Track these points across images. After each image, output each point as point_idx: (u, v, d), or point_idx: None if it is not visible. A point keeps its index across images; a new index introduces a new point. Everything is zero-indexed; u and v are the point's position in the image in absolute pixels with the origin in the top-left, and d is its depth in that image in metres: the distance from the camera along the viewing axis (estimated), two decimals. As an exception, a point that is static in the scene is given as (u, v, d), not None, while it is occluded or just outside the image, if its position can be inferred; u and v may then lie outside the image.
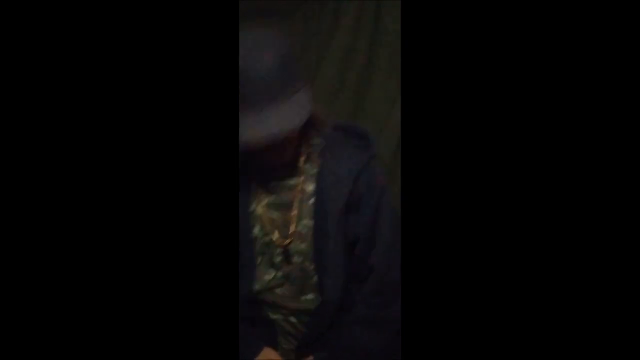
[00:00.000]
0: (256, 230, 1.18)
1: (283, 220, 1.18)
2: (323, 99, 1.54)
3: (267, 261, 1.19)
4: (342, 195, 1.15)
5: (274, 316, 1.23)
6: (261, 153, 1.09)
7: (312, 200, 1.16)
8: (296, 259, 1.18)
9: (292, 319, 1.22)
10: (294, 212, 1.17)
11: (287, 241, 1.17)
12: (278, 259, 1.19)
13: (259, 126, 1.03)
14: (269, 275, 1.19)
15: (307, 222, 1.16)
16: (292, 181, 1.17)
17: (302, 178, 1.17)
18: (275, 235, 1.17)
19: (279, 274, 1.19)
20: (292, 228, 1.17)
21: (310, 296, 1.19)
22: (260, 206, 1.18)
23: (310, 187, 1.16)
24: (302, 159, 1.16)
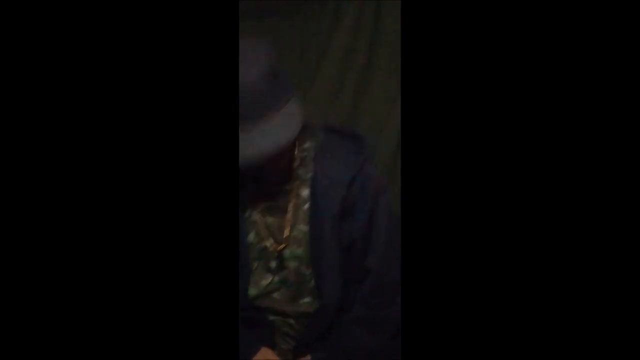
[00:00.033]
0: (251, 236, 1.18)
1: (278, 226, 1.17)
2: (323, 99, 1.54)
3: (263, 266, 1.19)
4: (337, 200, 1.14)
5: (272, 317, 1.23)
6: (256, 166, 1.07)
7: (307, 205, 1.16)
8: (292, 264, 1.18)
9: (290, 321, 1.22)
10: (289, 218, 1.17)
11: (281, 246, 1.17)
12: (273, 264, 1.18)
13: (251, 146, 1.01)
14: (266, 280, 1.19)
15: (303, 227, 1.16)
16: (287, 186, 1.17)
17: (296, 183, 1.16)
18: (270, 241, 1.17)
19: (276, 278, 1.19)
20: (286, 233, 1.17)
21: (307, 299, 1.20)
22: (256, 212, 1.18)
23: (305, 192, 1.16)
24: (296, 163, 1.16)
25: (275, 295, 1.20)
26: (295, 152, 1.16)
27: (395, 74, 1.48)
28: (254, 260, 1.19)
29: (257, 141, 1.02)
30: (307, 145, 1.17)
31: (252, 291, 1.19)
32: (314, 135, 1.17)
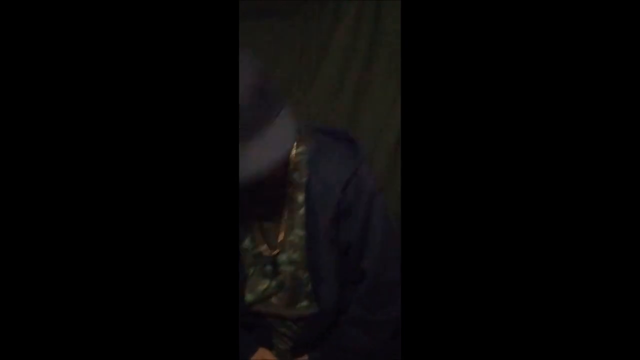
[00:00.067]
0: (247, 242, 1.18)
1: (273, 231, 1.17)
2: (323, 99, 1.54)
3: (259, 272, 1.19)
4: (332, 205, 1.14)
5: (270, 319, 1.23)
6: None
7: (302, 210, 1.16)
8: (288, 268, 1.18)
9: (288, 323, 1.23)
10: (284, 223, 1.16)
11: (275, 252, 1.17)
12: (269, 269, 1.19)
13: (249, 162, 0.98)
14: (262, 286, 1.19)
15: (299, 231, 1.16)
16: (281, 191, 1.16)
17: (291, 188, 1.16)
18: (264, 247, 1.17)
19: (273, 283, 1.19)
20: (280, 238, 1.17)
21: (304, 303, 1.20)
22: (251, 218, 1.18)
23: (300, 197, 1.16)
24: (290, 167, 1.15)
25: (273, 300, 1.21)
26: (290, 157, 1.15)
27: (395, 74, 1.48)
28: (249, 266, 1.19)
29: (254, 157, 0.99)
30: (301, 149, 1.16)
31: (249, 297, 1.20)
32: (308, 139, 1.17)
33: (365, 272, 1.18)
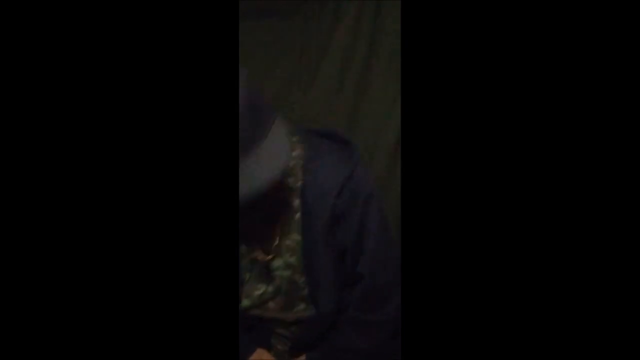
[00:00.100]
0: (242, 247, 1.18)
1: (269, 236, 1.17)
2: (323, 99, 1.54)
3: (255, 277, 1.19)
4: (328, 209, 1.13)
5: (268, 323, 1.23)
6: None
7: (298, 215, 1.15)
8: (284, 273, 1.18)
9: (286, 325, 1.23)
10: (280, 228, 1.16)
11: (269, 257, 1.17)
12: (265, 274, 1.19)
13: (247, 180, 0.97)
14: (259, 291, 1.19)
15: (296, 236, 1.16)
16: (277, 196, 1.15)
17: (286, 193, 1.15)
18: (259, 252, 1.17)
19: (270, 288, 1.19)
20: (275, 242, 1.16)
21: (301, 306, 1.20)
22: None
23: (296, 202, 1.15)
24: (285, 173, 1.15)
25: (269, 304, 1.21)
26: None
27: (395, 74, 1.48)
28: (245, 271, 1.19)
29: (253, 174, 0.98)
30: (295, 153, 1.15)
31: (246, 302, 1.20)
32: (303, 143, 1.16)
33: (362, 274, 1.18)
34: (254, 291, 1.19)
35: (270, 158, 1.00)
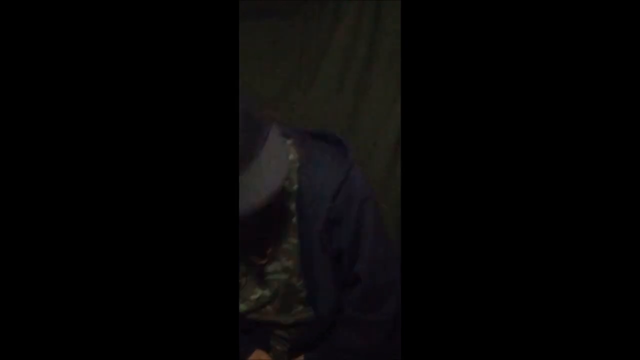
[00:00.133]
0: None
1: (265, 241, 1.17)
2: (323, 99, 1.54)
3: (252, 282, 1.19)
4: (324, 212, 1.13)
5: (266, 326, 1.23)
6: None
7: (294, 219, 1.15)
8: (281, 276, 1.18)
9: (285, 327, 1.23)
10: (275, 232, 1.16)
11: (264, 261, 1.17)
12: (261, 278, 1.19)
13: (245, 200, 0.96)
14: (255, 295, 1.19)
15: (292, 239, 1.16)
16: (275, 203, 1.15)
17: (283, 198, 1.14)
18: (255, 256, 1.17)
19: (267, 292, 1.19)
20: (271, 246, 1.16)
21: (299, 308, 1.20)
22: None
23: (292, 206, 1.15)
24: None
25: (267, 308, 1.21)
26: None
27: (395, 74, 1.48)
28: (242, 275, 1.19)
29: (254, 189, 0.97)
30: (291, 157, 1.14)
31: (243, 307, 1.20)
32: (297, 146, 1.16)
33: (359, 276, 1.18)
34: (250, 295, 1.19)
35: (270, 171, 1.00)
